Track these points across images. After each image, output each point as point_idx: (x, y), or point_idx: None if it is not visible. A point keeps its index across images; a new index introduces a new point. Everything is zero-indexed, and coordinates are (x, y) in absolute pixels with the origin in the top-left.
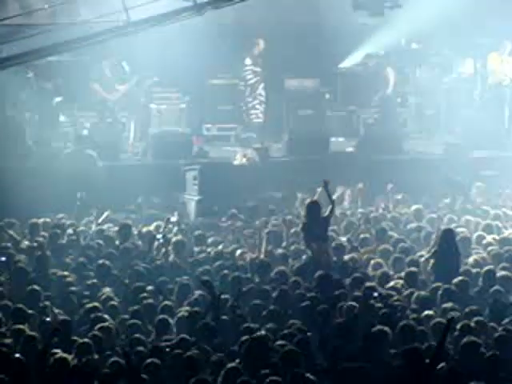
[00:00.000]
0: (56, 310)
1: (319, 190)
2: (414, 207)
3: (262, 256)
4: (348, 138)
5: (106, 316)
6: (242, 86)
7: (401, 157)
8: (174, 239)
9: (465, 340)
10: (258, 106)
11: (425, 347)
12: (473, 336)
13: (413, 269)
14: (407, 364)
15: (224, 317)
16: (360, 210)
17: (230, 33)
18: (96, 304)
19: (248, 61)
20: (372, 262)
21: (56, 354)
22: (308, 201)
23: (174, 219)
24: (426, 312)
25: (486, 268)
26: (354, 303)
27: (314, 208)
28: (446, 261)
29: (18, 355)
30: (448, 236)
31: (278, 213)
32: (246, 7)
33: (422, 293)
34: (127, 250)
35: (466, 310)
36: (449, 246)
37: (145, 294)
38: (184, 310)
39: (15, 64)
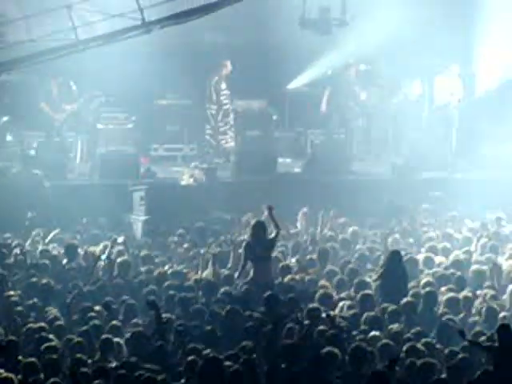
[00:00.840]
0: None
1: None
2: (350, 229)
3: (207, 276)
4: (295, 159)
5: (51, 336)
6: (212, 110)
7: (348, 178)
8: (119, 259)
9: (418, 362)
10: (228, 131)
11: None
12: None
13: (367, 291)
14: None
15: (170, 337)
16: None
17: (178, 53)
18: (42, 324)
19: (219, 84)
20: (317, 283)
21: (1, 373)
22: (254, 221)
23: (120, 240)
24: (373, 333)
25: (428, 289)
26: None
27: (258, 228)
28: (392, 282)
29: None
30: (395, 257)
31: (226, 234)
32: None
33: (371, 313)
34: (72, 270)
35: (413, 330)
36: (395, 268)
37: (92, 314)
38: (130, 331)
39: None
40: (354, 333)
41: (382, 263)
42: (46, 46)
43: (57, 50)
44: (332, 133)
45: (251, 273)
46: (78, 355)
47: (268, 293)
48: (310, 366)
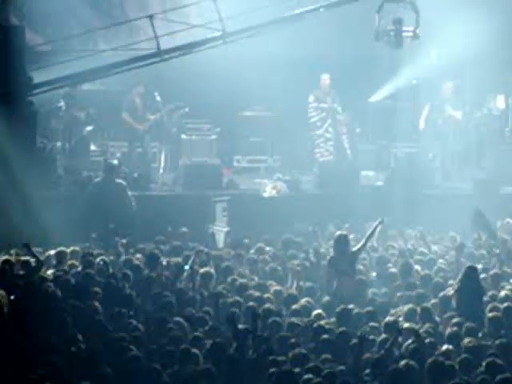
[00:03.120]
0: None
1: (347, 225)
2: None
3: (290, 290)
4: (378, 172)
5: (131, 346)
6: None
7: (430, 192)
8: (201, 270)
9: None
10: (322, 145)
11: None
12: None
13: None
14: None
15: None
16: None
17: (262, 63)
18: (123, 334)
19: (311, 97)
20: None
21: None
22: (337, 234)
23: (205, 250)
24: (448, 347)
25: (507, 304)
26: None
27: (342, 241)
28: (468, 298)
29: None
30: (471, 273)
31: (308, 246)
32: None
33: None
34: (153, 279)
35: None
36: (471, 283)
37: (171, 325)
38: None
39: (46, 91)
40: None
41: (459, 279)
42: (127, 55)
43: (139, 60)
44: (425, 149)
45: (335, 286)
46: (157, 365)
47: (341, 307)
48: (390, 379)
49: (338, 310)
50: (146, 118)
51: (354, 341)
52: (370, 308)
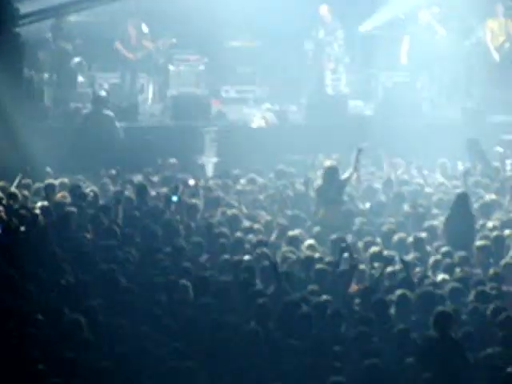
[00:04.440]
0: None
1: (335, 155)
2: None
3: (280, 220)
4: (367, 102)
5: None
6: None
7: (419, 121)
8: (188, 202)
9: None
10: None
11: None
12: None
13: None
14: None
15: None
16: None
17: None
18: (112, 266)
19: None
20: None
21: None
22: (326, 163)
23: (191, 182)
24: (442, 276)
25: (496, 233)
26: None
27: (331, 172)
28: (458, 224)
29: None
30: (461, 199)
31: (298, 176)
32: None
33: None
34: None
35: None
36: (462, 210)
37: (160, 256)
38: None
39: (32, 21)
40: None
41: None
42: None
43: None
44: (413, 78)
45: (322, 215)
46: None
47: (335, 236)
48: (379, 307)
49: (331, 238)
50: (139, 47)
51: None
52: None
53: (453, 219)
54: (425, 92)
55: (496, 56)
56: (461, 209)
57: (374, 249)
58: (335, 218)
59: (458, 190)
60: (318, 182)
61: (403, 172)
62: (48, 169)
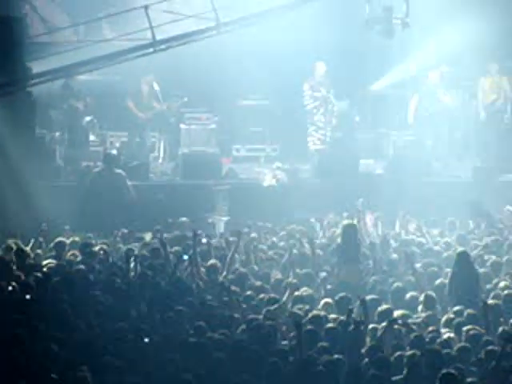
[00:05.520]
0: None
1: (345, 214)
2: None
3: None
4: (378, 160)
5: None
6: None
7: (429, 180)
8: (209, 262)
9: None
10: (313, 133)
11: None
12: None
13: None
14: None
15: None
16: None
17: (262, 53)
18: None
19: (306, 86)
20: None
21: None
22: (346, 222)
23: (204, 240)
24: (448, 335)
25: (507, 292)
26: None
27: (350, 230)
28: (462, 282)
29: None
30: (462, 258)
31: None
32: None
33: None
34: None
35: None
36: (464, 268)
37: (171, 314)
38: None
39: (44, 81)
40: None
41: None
42: (122, 46)
43: (134, 50)
44: (421, 137)
45: (341, 275)
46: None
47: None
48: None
49: (338, 297)
50: (150, 107)
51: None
52: (373, 296)
53: (456, 277)
54: (435, 151)
55: (482, 114)
56: (463, 266)
57: (382, 307)
58: (355, 277)
59: (459, 249)
60: (332, 241)
61: (414, 230)
62: (66, 227)
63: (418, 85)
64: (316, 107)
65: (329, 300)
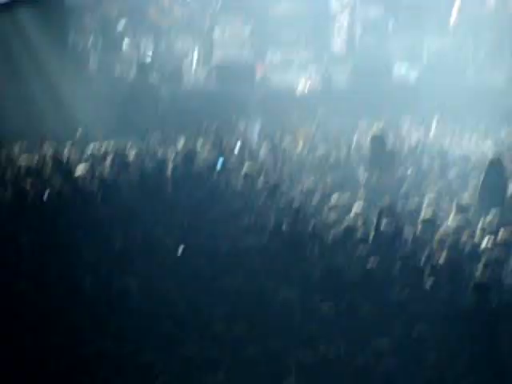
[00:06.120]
0: None
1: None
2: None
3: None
4: (412, 65)
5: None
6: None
7: (463, 84)
8: (243, 172)
9: None
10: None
11: None
12: None
13: None
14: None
15: None
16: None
17: None
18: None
19: None
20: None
21: None
22: (373, 134)
23: (238, 147)
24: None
25: None
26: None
27: (377, 141)
28: (492, 189)
29: None
30: (494, 164)
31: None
32: None
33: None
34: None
35: None
36: (494, 175)
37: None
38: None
39: None
40: None
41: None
42: None
43: None
44: (459, 41)
45: (375, 180)
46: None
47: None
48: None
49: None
50: (171, 12)
51: None
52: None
53: (487, 183)
54: (472, 56)
55: None
56: (494, 173)
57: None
58: (386, 183)
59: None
60: (365, 147)
61: (450, 136)
62: (100, 132)
63: None
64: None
65: (361, 204)
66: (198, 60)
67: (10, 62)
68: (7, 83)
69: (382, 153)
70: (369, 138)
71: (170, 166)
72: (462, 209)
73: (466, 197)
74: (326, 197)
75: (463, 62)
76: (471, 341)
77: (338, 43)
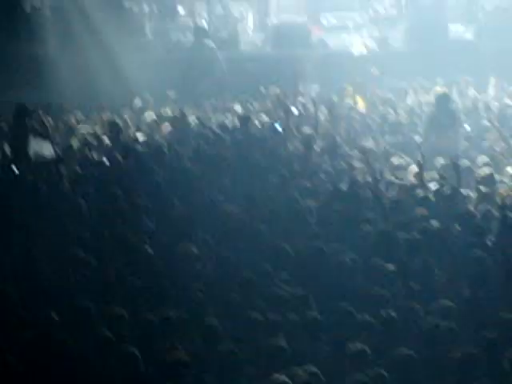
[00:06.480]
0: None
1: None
2: None
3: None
4: (468, 26)
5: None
6: None
7: None
8: (302, 132)
9: None
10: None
11: None
12: None
13: None
14: None
15: None
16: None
17: None
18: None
19: None
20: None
21: None
22: (438, 91)
23: (295, 111)
24: None
25: None
26: None
27: (443, 99)
28: None
29: None
30: None
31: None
32: None
33: None
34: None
35: None
36: None
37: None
38: None
39: None
40: None
41: None
42: None
43: None
44: None
45: (434, 141)
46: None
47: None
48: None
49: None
50: None
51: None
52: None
53: None
54: None
55: None
56: None
57: (482, 171)
58: (446, 143)
59: None
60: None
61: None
62: (154, 98)
63: None
64: None
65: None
66: (254, 24)
67: (67, 30)
68: (65, 52)
69: (445, 112)
70: (431, 98)
71: (229, 130)
72: None
73: None
74: (385, 158)
75: None
76: None
77: (392, 4)
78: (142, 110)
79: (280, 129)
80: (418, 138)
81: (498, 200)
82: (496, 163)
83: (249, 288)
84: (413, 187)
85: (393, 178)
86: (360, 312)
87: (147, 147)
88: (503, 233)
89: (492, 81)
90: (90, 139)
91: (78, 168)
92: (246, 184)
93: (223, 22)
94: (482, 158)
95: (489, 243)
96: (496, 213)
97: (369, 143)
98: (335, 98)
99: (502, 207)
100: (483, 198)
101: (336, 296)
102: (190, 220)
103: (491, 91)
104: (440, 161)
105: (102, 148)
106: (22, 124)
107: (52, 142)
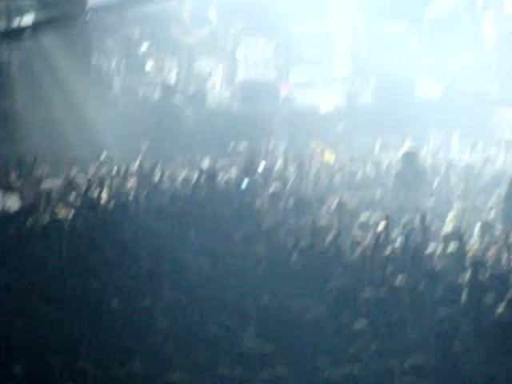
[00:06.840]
0: None
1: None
2: None
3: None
4: (435, 84)
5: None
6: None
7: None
8: (270, 190)
9: None
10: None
11: None
12: None
13: None
14: None
15: None
16: None
17: None
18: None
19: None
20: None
21: None
22: (405, 151)
23: (260, 168)
24: None
25: None
26: None
27: (410, 158)
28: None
29: None
30: None
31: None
32: None
33: None
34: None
35: None
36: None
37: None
38: None
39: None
40: None
41: None
42: None
43: None
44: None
45: (402, 198)
46: None
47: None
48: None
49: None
50: (194, 32)
51: None
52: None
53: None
54: (492, 72)
55: None
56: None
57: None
58: (414, 199)
59: None
60: (392, 164)
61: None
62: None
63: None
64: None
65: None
66: (222, 80)
67: (34, 84)
68: (32, 106)
69: (412, 170)
70: (398, 154)
71: (195, 186)
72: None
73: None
74: (353, 215)
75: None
76: None
77: (359, 61)
78: (110, 164)
79: (247, 185)
80: (385, 195)
81: (465, 256)
82: (462, 219)
83: (214, 344)
84: (379, 243)
85: (360, 234)
86: (328, 368)
87: (113, 203)
88: (472, 289)
89: (456, 137)
90: (56, 195)
91: (44, 222)
92: (210, 240)
93: (192, 78)
94: (449, 214)
95: (458, 299)
96: (463, 269)
97: (337, 200)
98: (303, 155)
99: (471, 263)
100: (450, 254)
101: (304, 352)
102: (155, 275)
103: (456, 147)
104: (407, 217)
105: (68, 203)
106: None
107: (19, 197)
